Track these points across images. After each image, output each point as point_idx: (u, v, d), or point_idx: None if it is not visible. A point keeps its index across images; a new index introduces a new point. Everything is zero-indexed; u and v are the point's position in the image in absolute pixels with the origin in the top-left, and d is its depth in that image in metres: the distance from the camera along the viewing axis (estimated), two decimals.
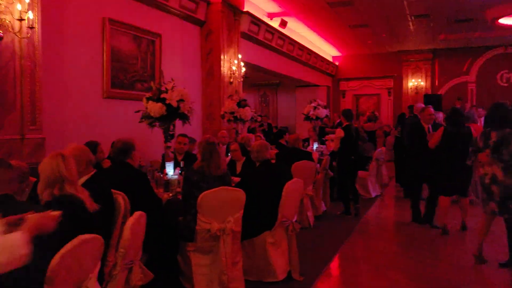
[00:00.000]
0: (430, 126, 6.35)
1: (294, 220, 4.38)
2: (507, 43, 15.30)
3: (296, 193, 4.45)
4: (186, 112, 5.34)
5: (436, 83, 16.99)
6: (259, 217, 4.16)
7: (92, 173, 3.21)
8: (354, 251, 5.54)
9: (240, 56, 9.42)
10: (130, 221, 2.80)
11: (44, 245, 2.26)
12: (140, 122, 5.68)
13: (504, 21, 11.71)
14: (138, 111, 5.76)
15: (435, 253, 5.32)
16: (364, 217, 7.17)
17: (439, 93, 16.40)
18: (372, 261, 5.00)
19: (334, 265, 4.88)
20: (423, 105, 7.30)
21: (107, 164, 5.09)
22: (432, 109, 6.46)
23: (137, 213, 2.78)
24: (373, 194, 8.81)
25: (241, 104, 7.69)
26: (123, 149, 3.91)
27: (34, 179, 3.89)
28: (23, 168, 3.42)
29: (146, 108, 5.66)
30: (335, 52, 17.52)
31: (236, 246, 3.94)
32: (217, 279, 3.80)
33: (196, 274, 3.79)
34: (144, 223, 2.92)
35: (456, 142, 5.56)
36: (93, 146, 4.36)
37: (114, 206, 3.21)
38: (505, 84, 15.96)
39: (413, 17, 11.80)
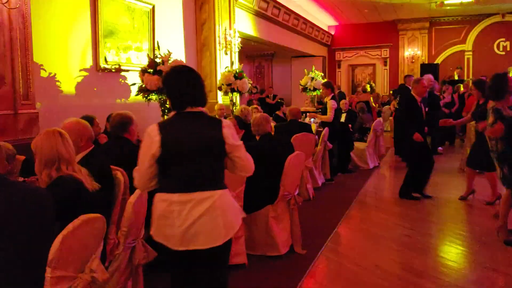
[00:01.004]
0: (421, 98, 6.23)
1: (296, 193, 4.33)
2: (505, 11, 15.07)
3: (298, 166, 4.39)
4: None
5: (433, 52, 16.80)
6: (261, 191, 4.10)
7: (91, 148, 3.11)
8: (354, 223, 5.53)
9: (235, 26, 9.19)
10: (132, 198, 2.72)
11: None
12: (136, 95, 5.56)
13: None
14: (133, 84, 5.63)
15: (432, 223, 5.33)
16: (363, 188, 7.16)
17: (435, 62, 16.24)
18: (372, 233, 5.00)
19: (335, 238, 4.86)
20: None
21: (103, 138, 4.98)
22: (424, 82, 6.32)
23: (138, 190, 2.70)
24: (371, 165, 8.80)
25: (239, 75, 7.54)
26: (121, 123, 3.80)
27: (22, 157, 3.78)
28: (8, 150, 3.30)
29: (142, 80, 5.52)
30: (331, 22, 17.21)
31: None
32: None
33: None
34: (146, 200, 2.85)
35: None
36: (89, 120, 4.24)
37: (113, 182, 3.13)
38: (502, 53, 15.82)
39: None
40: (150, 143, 2.24)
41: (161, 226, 2.25)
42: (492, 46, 15.95)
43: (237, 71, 7.65)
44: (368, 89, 13.14)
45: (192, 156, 2.26)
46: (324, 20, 16.61)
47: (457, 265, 4.09)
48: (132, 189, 2.93)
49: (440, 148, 10.19)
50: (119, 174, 3.16)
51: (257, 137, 4.48)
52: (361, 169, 8.57)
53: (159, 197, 2.27)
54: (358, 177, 7.96)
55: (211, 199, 2.26)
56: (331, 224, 5.22)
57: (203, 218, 2.22)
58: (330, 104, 7.29)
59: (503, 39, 15.78)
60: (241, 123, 5.90)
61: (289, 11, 12.78)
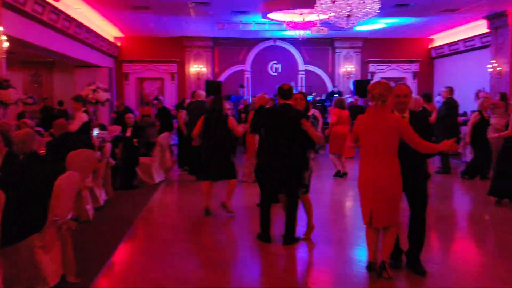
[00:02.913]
0: None
1: (69, 217, 3.96)
2: (276, 36, 17.07)
3: (70, 188, 4.01)
4: None
5: (217, 70, 17.89)
6: (24, 219, 3.61)
7: None
8: (137, 242, 5.38)
9: (1, 28, 8.06)
10: None
11: None
12: None
13: (272, 16, 12.97)
14: None
15: (217, 235, 5.56)
16: (148, 204, 7.05)
17: (219, 79, 17.33)
18: (157, 251, 4.93)
19: (116, 260, 4.62)
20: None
21: None
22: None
23: None
24: (157, 180, 8.74)
25: (3, 85, 6.60)
26: None
27: None
28: None
29: None
30: (118, 33, 16.72)
31: None
32: None
33: None
34: None
35: None
36: None
37: None
38: (275, 74, 17.82)
39: (194, 4, 12.01)
40: None
41: None
42: (266, 68, 17.86)
43: (1, 79, 6.70)
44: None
45: None
46: (110, 31, 16.03)
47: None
48: None
49: None
50: None
51: (21, 157, 3.95)
52: (146, 185, 8.44)
53: None
54: (144, 193, 7.80)
55: None
56: (112, 245, 4.95)
57: None
58: (80, 115, 7.12)
59: (275, 61, 17.84)
60: (6, 139, 5.15)
61: (69, 18, 11.88)
